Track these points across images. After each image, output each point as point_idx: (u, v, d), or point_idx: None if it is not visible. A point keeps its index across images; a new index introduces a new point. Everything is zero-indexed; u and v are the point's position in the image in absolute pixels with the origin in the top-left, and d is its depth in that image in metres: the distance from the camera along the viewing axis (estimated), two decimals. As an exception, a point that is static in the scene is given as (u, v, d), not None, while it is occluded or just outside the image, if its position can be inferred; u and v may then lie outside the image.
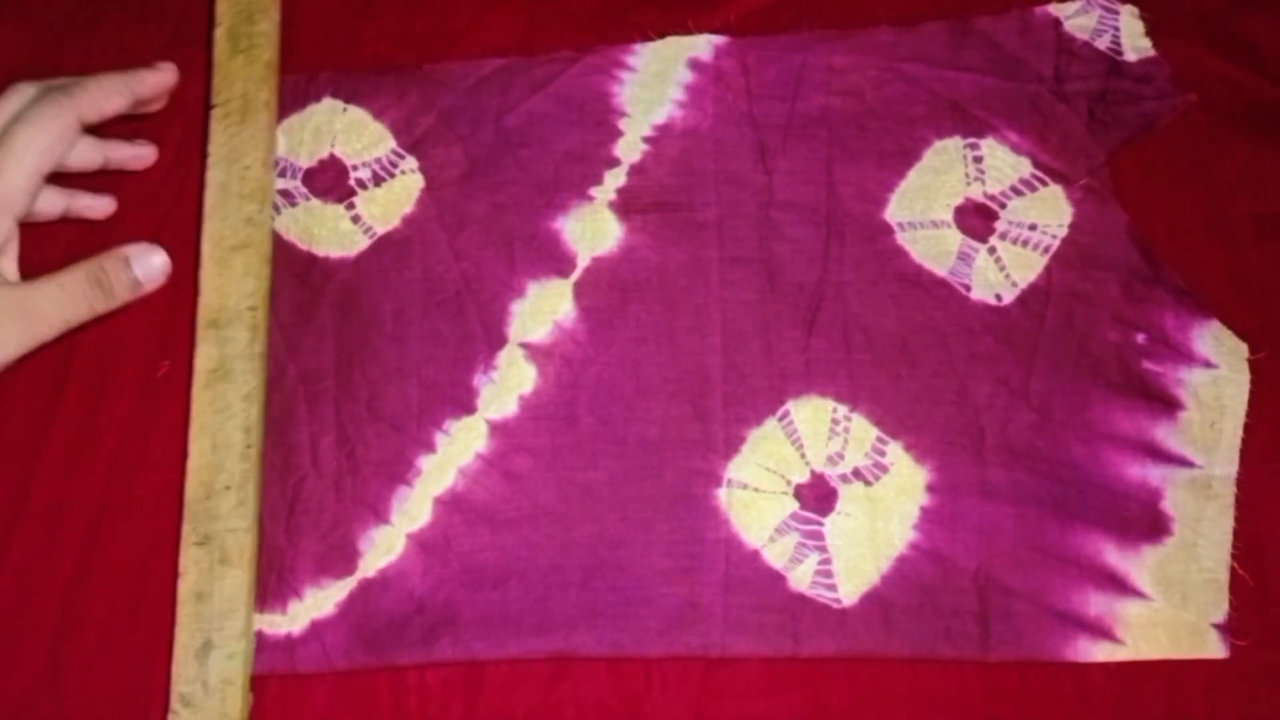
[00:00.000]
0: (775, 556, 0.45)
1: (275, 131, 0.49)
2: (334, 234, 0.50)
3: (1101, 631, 0.43)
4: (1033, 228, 0.48)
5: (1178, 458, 0.44)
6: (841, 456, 0.46)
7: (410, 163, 0.50)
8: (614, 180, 0.50)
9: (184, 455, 0.45)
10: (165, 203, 0.51)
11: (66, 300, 0.41)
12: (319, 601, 0.45)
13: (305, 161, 0.51)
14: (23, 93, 0.44)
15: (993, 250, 0.48)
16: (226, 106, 0.49)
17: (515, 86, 0.51)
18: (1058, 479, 0.45)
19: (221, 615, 0.43)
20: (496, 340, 0.48)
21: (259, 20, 0.50)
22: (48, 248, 0.49)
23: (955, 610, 0.43)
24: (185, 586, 0.43)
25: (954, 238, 0.48)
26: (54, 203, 0.47)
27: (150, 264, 0.44)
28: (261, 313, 0.46)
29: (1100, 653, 0.43)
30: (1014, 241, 0.48)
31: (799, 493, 0.45)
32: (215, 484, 0.44)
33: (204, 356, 0.46)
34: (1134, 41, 0.50)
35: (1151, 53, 0.50)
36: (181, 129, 0.52)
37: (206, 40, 0.51)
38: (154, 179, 0.51)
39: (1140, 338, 0.46)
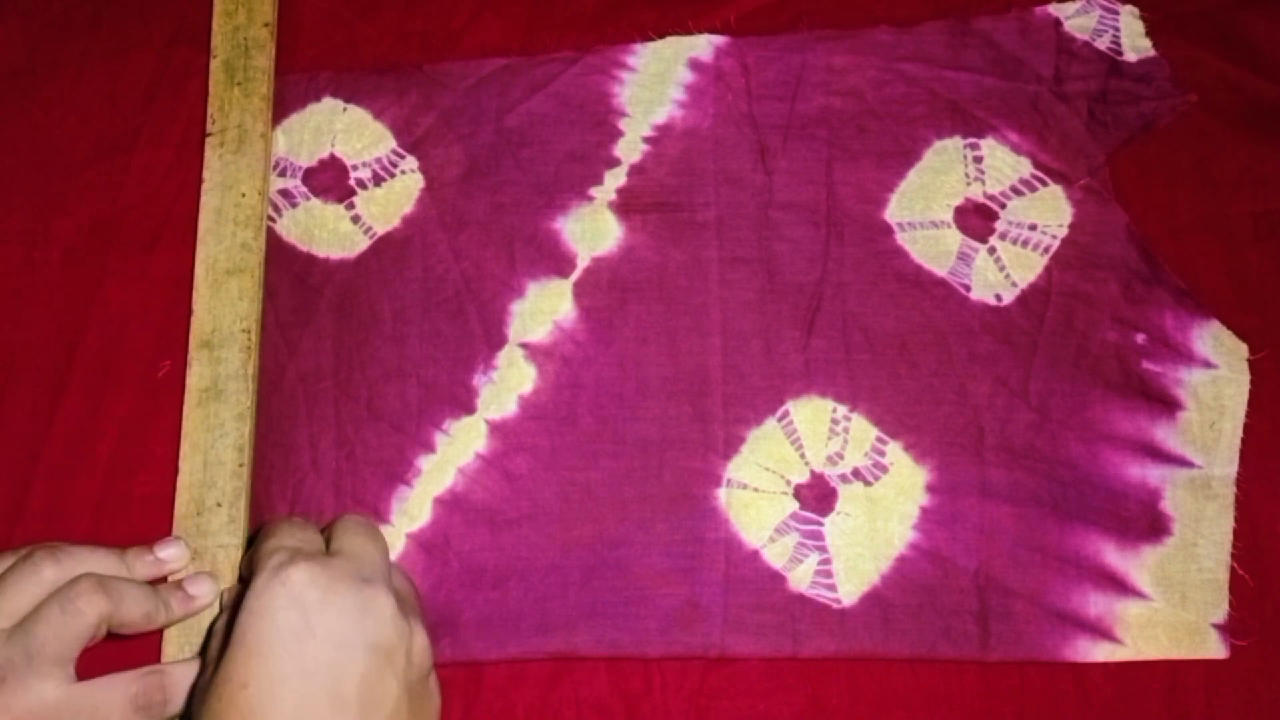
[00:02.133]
0: (775, 556, 0.45)
1: (270, 161, 0.50)
2: (334, 235, 0.50)
3: (1101, 631, 0.43)
4: (1033, 228, 0.48)
5: (1177, 458, 0.44)
6: (841, 456, 0.46)
7: (410, 162, 0.50)
8: (614, 180, 0.50)
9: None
10: (165, 201, 0.51)
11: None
12: (319, 601, 0.45)
13: (305, 161, 0.51)
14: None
15: (992, 250, 0.48)
16: (222, 135, 0.49)
17: (515, 86, 0.51)
18: (1057, 479, 0.45)
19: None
20: (496, 340, 0.48)
21: (255, 55, 0.50)
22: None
23: (955, 610, 0.43)
24: None
25: (954, 238, 0.48)
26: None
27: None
28: (255, 335, 0.47)
29: (1100, 653, 0.43)
30: (1014, 242, 0.48)
31: (799, 493, 0.45)
32: (206, 501, 0.44)
33: (196, 376, 0.46)
34: (1134, 41, 0.50)
35: (1151, 53, 0.50)
36: (183, 127, 0.52)
37: (206, 41, 0.51)
38: (155, 178, 0.51)
39: (1140, 338, 0.46)
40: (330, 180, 0.50)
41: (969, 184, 0.49)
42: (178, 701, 0.40)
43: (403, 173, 0.50)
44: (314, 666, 0.34)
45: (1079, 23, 0.50)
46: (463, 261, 0.49)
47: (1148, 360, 0.46)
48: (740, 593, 0.44)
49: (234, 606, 0.36)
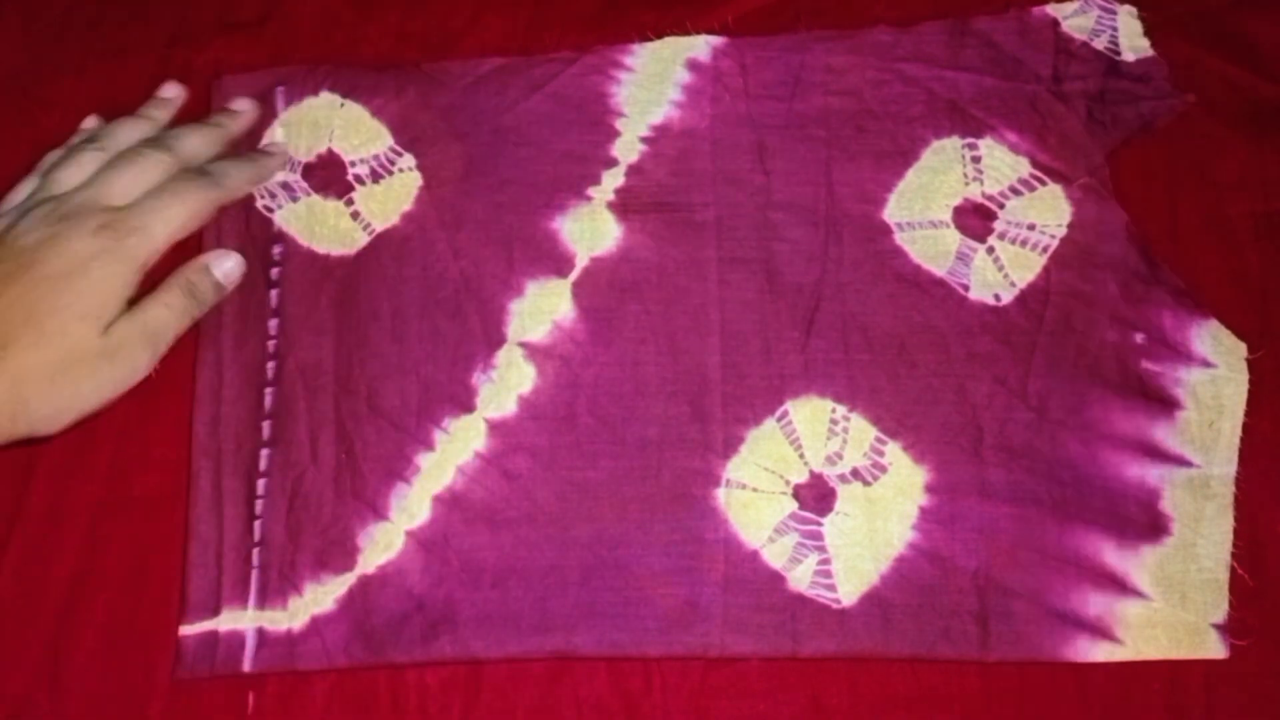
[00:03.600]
0: (774, 556, 0.45)
1: None
2: (334, 232, 0.50)
3: (1101, 631, 0.43)
4: (1031, 227, 0.48)
5: (1176, 457, 0.44)
6: (840, 456, 0.46)
7: (408, 160, 0.50)
8: (612, 180, 0.50)
9: (184, 455, 0.46)
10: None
11: (173, 317, 0.45)
12: (319, 597, 0.45)
13: (303, 156, 0.51)
14: (162, 163, 0.46)
15: (991, 250, 0.48)
16: None
17: (513, 86, 0.51)
18: (1056, 479, 0.45)
19: None
20: (495, 339, 0.48)
21: None
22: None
23: (954, 610, 0.43)
24: None
25: (952, 238, 0.48)
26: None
27: (226, 267, 0.48)
28: None
29: (1100, 653, 0.43)
30: (1012, 241, 0.48)
31: (798, 493, 0.45)
32: None
33: None
34: (1132, 41, 0.50)
35: (1150, 53, 0.50)
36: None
37: (206, 41, 0.52)
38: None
39: (1139, 337, 0.46)
40: (329, 176, 0.50)
41: (968, 184, 0.49)
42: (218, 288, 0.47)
43: (401, 170, 0.50)
44: None
45: (1077, 23, 0.50)
46: (461, 260, 0.49)
47: (1146, 360, 0.46)
48: (740, 593, 0.44)
49: None
